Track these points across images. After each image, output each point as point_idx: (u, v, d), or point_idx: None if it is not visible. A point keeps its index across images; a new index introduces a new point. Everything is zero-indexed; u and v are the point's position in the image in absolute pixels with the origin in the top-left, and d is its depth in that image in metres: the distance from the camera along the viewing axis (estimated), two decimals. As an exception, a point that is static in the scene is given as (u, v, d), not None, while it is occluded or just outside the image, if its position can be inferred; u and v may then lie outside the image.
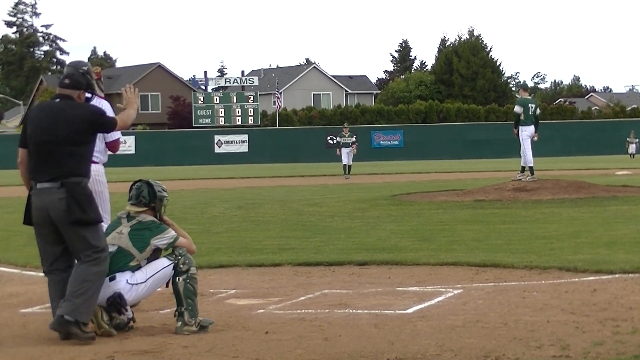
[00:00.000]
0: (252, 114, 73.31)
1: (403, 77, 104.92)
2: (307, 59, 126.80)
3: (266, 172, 45.66)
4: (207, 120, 72.90)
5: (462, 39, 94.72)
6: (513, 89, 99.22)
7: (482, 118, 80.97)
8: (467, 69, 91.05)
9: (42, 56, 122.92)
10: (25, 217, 7.53)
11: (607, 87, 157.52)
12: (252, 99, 73.58)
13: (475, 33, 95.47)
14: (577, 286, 9.33)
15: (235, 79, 77.38)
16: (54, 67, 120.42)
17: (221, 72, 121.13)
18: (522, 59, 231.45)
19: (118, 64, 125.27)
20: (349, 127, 42.28)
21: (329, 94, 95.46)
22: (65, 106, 7.48)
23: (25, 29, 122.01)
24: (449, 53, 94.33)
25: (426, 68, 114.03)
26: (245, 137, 69.89)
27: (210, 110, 73.03)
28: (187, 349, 6.99)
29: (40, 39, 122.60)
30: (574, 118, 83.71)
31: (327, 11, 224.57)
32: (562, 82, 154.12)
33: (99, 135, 8.75)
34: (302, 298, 9.10)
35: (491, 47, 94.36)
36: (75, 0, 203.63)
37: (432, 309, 8.34)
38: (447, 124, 77.08)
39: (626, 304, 8.28)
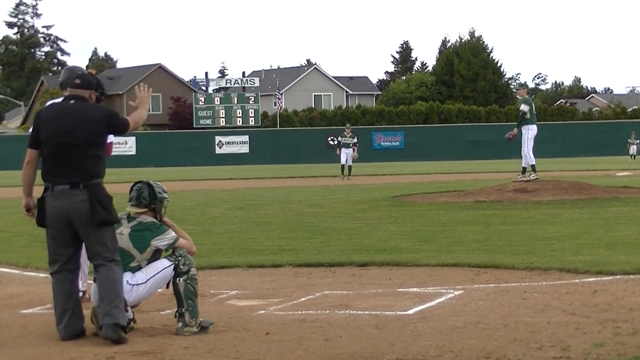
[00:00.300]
0: (252, 115, 73.31)
1: (404, 78, 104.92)
2: (307, 60, 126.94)
3: (267, 173, 45.67)
4: (208, 121, 72.90)
5: (463, 40, 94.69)
6: (514, 90, 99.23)
7: (483, 119, 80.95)
8: (468, 70, 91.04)
9: (43, 57, 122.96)
10: (38, 219, 7.46)
11: (608, 88, 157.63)
12: (252, 100, 73.59)
13: (476, 34, 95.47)
14: (578, 287, 9.34)
15: (236, 80, 77.39)
16: (55, 68, 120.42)
17: (222, 73, 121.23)
18: (523, 60, 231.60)
19: (119, 65, 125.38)
20: (351, 128, 42.22)
21: (330, 94, 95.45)
22: (83, 108, 7.45)
23: (26, 30, 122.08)
24: (449, 54, 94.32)
25: (427, 69, 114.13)
26: (246, 138, 69.89)
27: (211, 111, 73.03)
28: (188, 350, 6.99)
29: (41, 39, 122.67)
30: (575, 119, 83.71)
31: (328, 12, 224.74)
32: (563, 83, 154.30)
33: None
34: (303, 299, 9.11)
35: (492, 48, 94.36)
36: (76, 1, 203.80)
37: (432, 310, 8.34)
38: (448, 125, 77.09)
39: (627, 305, 8.28)
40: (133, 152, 64.68)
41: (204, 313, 7.89)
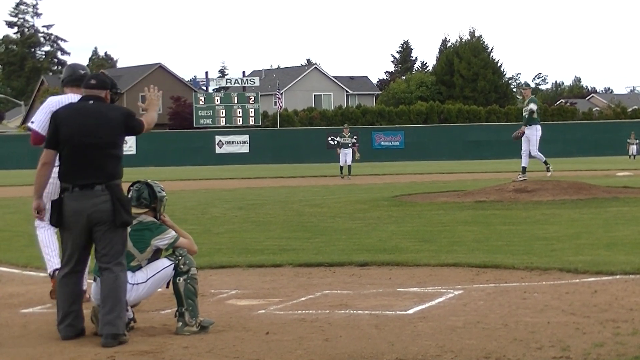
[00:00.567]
0: (253, 114, 73.31)
1: (404, 78, 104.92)
2: (308, 60, 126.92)
3: (267, 173, 45.66)
4: (208, 121, 72.90)
5: (463, 40, 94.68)
6: (514, 90, 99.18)
7: (483, 119, 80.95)
8: (468, 70, 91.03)
9: (43, 56, 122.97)
10: (54, 220, 7.39)
11: (608, 88, 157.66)
12: (253, 99, 73.58)
13: (477, 34, 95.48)
14: (578, 287, 9.34)
15: (236, 80, 77.39)
16: (55, 67, 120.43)
17: (222, 73, 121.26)
18: (523, 60, 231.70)
19: (119, 65, 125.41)
20: (349, 128, 42.29)
21: (330, 94, 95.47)
22: (103, 108, 7.44)
23: (26, 30, 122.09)
24: (450, 54, 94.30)
25: (427, 69, 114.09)
26: (246, 137, 69.91)
27: (211, 111, 73.04)
28: (188, 350, 6.99)
29: (42, 39, 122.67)
30: (575, 119, 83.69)
31: (328, 12, 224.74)
32: (563, 83, 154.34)
33: None
34: (303, 299, 9.11)
35: (492, 48, 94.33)
36: (76, 1, 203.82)
37: (432, 309, 8.34)
38: (448, 125, 77.09)
39: (627, 305, 8.28)
40: (133, 151, 64.62)
41: (204, 313, 7.90)
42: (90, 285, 7.93)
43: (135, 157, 63.22)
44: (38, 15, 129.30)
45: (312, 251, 12.73)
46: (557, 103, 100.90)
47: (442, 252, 12.21)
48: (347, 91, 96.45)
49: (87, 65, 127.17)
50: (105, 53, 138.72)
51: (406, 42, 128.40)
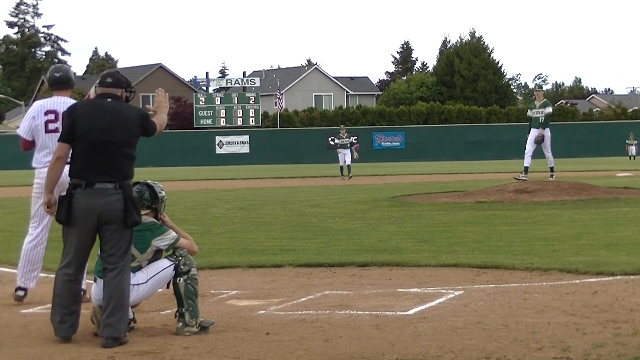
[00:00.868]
0: (253, 115, 73.30)
1: (404, 78, 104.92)
2: (308, 60, 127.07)
3: (267, 173, 45.67)
4: (209, 121, 72.91)
5: (464, 41, 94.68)
6: (514, 90, 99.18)
7: (483, 120, 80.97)
8: (468, 71, 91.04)
9: (44, 57, 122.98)
10: (62, 215, 7.31)
11: (609, 89, 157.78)
12: (253, 100, 73.58)
13: (477, 34, 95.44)
14: (578, 288, 9.34)
15: (236, 80, 77.38)
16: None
17: (222, 73, 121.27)
18: (524, 61, 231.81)
19: (119, 65, 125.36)
20: (346, 129, 42.56)
21: (330, 95, 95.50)
22: (121, 107, 7.44)
23: (26, 30, 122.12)
24: (450, 54, 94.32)
25: (427, 69, 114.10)
26: (246, 138, 69.92)
27: (211, 111, 73.04)
28: (188, 350, 6.99)
29: (42, 39, 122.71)
30: (576, 120, 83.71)
31: (328, 12, 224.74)
32: (563, 84, 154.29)
33: None
34: (303, 299, 9.11)
35: (493, 49, 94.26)
36: (76, 1, 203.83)
37: (433, 310, 8.34)
38: (448, 125, 77.11)
39: (627, 306, 8.28)
40: (133, 151, 64.58)
41: (204, 313, 7.90)
42: (90, 285, 7.93)
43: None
44: (38, 15, 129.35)
45: (312, 251, 12.73)
46: (558, 104, 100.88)
47: (443, 252, 12.20)
48: (347, 91, 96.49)
49: (88, 65, 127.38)
50: (106, 53, 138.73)
51: (407, 43, 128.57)
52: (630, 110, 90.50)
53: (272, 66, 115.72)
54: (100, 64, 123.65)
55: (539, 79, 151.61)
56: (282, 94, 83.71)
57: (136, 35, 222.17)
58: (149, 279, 7.66)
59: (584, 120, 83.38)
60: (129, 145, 7.41)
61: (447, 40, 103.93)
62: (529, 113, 23.09)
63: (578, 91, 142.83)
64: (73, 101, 9.15)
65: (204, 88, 75.86)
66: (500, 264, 10.96)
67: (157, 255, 7.79)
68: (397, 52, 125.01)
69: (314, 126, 76.71)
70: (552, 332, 7.27)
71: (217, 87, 79.60)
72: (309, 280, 10.41)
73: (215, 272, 11.09)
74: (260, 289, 9.84)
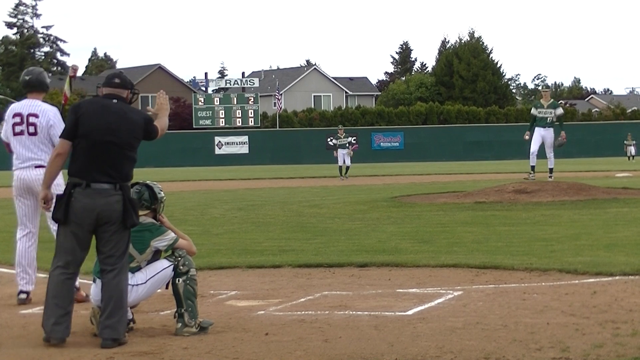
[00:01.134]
0: (252, 115, 73.30)
1: (403, 78, 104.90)
2: (307, 61, 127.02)
3: (266, 174, 45.68)
4: (208, 122, 72.90)
5: (463, 41, 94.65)
6: (513, 90, 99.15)
7: (482, 120, 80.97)
8: (467, 71, 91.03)
9: (43, 57, 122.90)
10: (59, 214, 7.27)
11: (608, 89, 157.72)
12: (252, 100, 73.57)
13: (476, 35, 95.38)
14: (577, 288, 9.34)
15: (235, 81, 77.36)
16: (55, 68, 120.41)
17: (221, 74, 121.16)
18: (523, 61, 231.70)
19: (118, 65, 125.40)
20: (344, 129, 42.66)
21: (330, 95, 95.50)
22: (126, 109, 7.43)
23: (25, 30, 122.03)
24: (449, 55, 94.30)
25: (426, 70, 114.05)
26: (245, 138, 69.93)
27: (210, 112, 73.03)
28: (187, 350, 7.00)
29: (41, 40, 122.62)
30: (575, 120, 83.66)
31: (327, 12, 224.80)
32: (562, 84, 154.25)
33: (50, 141, 8.94)
34: (302, 299, 9.11)
35: (492, 49, 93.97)
36: (76, 2, 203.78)
37: (432, 310, 8.35)
38: (448, 125, 77.12)
39: (626, 306, 8.29)
40: (133, 152, 64.60)
41: (203, 313, 7.90)
42: (85, 284, 7.93)
43: (134, 158, 63.24)
44: (37, 16, 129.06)
45: (311, 252, 12.73)
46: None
47: (442, 253, 12.21)
48: (346, 92, 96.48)
49: (87, 66, 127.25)
50: (105, 54, 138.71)
51: (406, 43, 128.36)
52: (629, 110, 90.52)
53: (271, 67, 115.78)
54: (100, 64, 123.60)
55: (538, 79, 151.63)
56: (281, 94, 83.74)
57: (135, 36, 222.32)
58: (148, 279, 7.66)
59: (583, 121, 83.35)
60: (130, 148, 7.42)
61: (446, 40, 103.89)
62: (534, 112, 23.16)
63: (577, 91, 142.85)
64: (43, 104, 9.21)
65: (203, 88, 75.84)
66: (499, 264, 10.96)
67: (156, 256, 7.79)
68: (396, 53, 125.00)
69: (313, 127, 76.71)
70: (551, 333, 7.27)
71: (216, 87, 79.54)
72: (308, 280, 10.41)
73: (214, 272, 11.10)
74: (260, 289, 9.84)
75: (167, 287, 7.77)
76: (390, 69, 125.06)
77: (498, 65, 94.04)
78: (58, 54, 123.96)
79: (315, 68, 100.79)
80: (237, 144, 69.47)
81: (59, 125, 9.05)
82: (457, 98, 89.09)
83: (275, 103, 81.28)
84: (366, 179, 38.04)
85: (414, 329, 7.52)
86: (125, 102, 7.52)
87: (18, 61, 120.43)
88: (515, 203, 19.46)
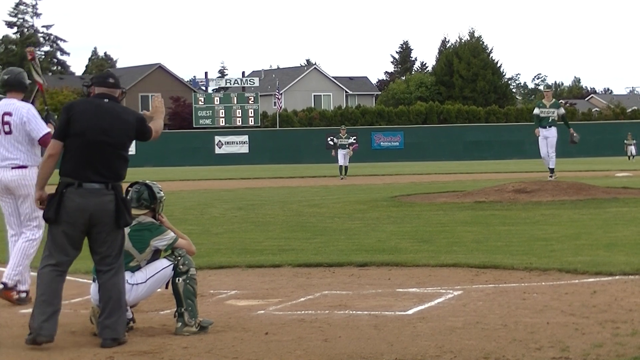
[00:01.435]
0: (252, 114, 73.27)
1: (403, 78, 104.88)
2: (307, 60, 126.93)
3: (266, 173, 45.68)
4: (208, 121, 72.88)
5: (463, 41, 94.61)
6: (513, 90, 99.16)
7: (483, 119, 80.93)
8: (467, 71, 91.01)
9: (43, 57, 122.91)
10: (51, 213, 7.24)
11: (608, 89, 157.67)
12: (252, 99, 73.55)
13: (476, 34, 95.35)
14: (577, 288, 9.34)
15: (235, 80, 77.33)
16: (55, 67, 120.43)
17: (222, 73, 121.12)
18: (523, 61, 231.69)
19: (119, 65, 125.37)
20: (346, 129, 42.65)
21: (330, 95, 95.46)
22: (118, 109, 7.42)
23: (25, 30, 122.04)
24: (449, 54, 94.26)
25: (427, 69, 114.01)
26: (245, 138, 69.91)
27: (210, 111, 73.01)
28: (187, 350, 7.00)
29: (41, 39, 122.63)
30: (575, 119, 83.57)
31: (327, 12, 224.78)
32: (562, 84, 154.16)
33: (27, 139, 8.93)
34: (302, 299, 9.11)
35: (492, 49, 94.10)
36: (76, 1, 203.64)
37: (431, 310, 8.35)
38: (448, 125, 77.09)
39: (626, 306, 8.29)
40: (133, 151, 63.98)
41: (203, 313, 7.90)
42: (85, 284, 7.92)
43: (134, 157, 62.35)
44: (37, 15, 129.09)
45: (311, 251, 12.73)
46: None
47: (442, 252, 12.21)
48: (346, 91, 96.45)
49: (87, 65, 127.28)
50: (105, 53, 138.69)
51: (406, 43, 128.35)
52: (630, 110, 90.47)
53: (271, 66, 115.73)
54: (100, 63, 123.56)
55: (538, 78, 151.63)
56: (281, 94, 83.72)
57: (135, 35, 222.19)
58: (148, 278, 7.66)
59: (583, 120, 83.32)
60: (123, 147, 7.40)
61: (446, 40, 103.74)
62: (537, 111, 23.30)
63: (577, 91, 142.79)
64: (18, 102, 9.19)
65: (203, 88, 75.82)
66: (499, 264, 10.96)
67: (156, 255, 7.79)
68: (396, 52, 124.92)
69: (313, 126, 76.67)
70: (551, 332, 7.27)
71: (216, 87, 79.53)
72: (307, 280, 10.41)
73: (214, 272, 11.10)
74: (259, 289, 9.84)
75: (166, 287, 7.77)
76: (390, 68, 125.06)
77: (498, 65, 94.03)
78: (58, 54, 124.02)
79: (315, 67, 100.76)
80: (237, 143, 69.45)
81: (34, 121, 9.10)
82: (457, 97, 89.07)
83: (275, 102, 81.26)
84: (366, 178, 38.04)
85: (413, 329, 7.52)
86: (118, 102, 7.51)
87: (18, 60, 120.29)
88: (515, 203, 19.46)
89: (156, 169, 56.91)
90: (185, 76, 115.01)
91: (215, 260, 11.84)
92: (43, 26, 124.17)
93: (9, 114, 9.18)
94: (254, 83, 76.57)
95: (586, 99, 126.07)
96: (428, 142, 70.42)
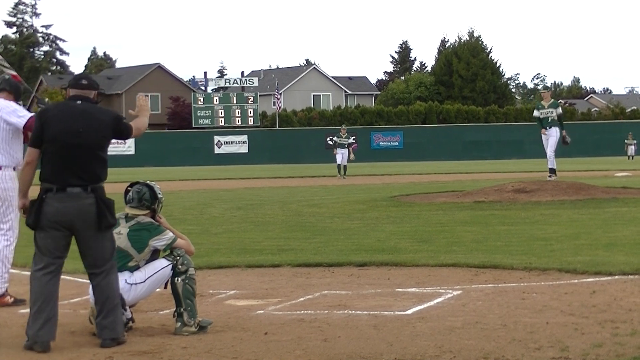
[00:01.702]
0: (251, 114, 73.30)
1: (403, 78, 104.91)
2: (307, 60, 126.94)
3: (266, 173, 45.68)
4: (207, 121, 72.90)
5: (462, 40, 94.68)
6: (513, 90, 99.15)
7: (482, 119, 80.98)
8: (466, 70, 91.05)
9: (42, 57, 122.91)
10: (32, 220, 7.22)
11: (607, 89, 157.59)
12: (251, 99, 73.58)
13: (475, 34, 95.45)
14: (577, 288, 9.34)
15: (235, 80, 77.35)
16: (54, 67, 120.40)
17: (221, 73, 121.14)
18: (522, 60, 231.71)
19: (118, 65, 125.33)
20: (347, 129, 42.70)
21: (329, 94, 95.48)
22: (92, 110, 7.36)
23: (25, 29, 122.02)
24: (448, 54, 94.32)
25: (426, 69, 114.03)
26: (244, 137, 69.91)
27: (210, 111, 73.03)
28: (186, 350, 7.00)
29: (40, 39, 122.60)
30: (574, 119, 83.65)
31: (327, 12, 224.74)
32: (562, 84, 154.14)
33: (10, 136, 8.89)
34: (302, 299, 9.11)
35: (491, 49, 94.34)
36: (75, 1, 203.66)
37: (431, 310, 8.35)
38: (447, 125, 77.12)
39: (625, 306, 8.29)
40: (132, 152, 64.65)
41: (202, 313, 7.90)
42: (84, 284, 7.92)
43: (134, 157, 63.29)
44: (37, 15, 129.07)
45: (310, 251, 12.73)
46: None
47: (441, 252, 12.21)
48: (345, 91, 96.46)
49: (86, 65, 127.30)
50: (104, 53, 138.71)
51: (405, 43, 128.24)
52: (629, 110, 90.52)
53: (270, 66, 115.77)
54: (99, 63, 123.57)
55: (537, 78, 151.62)
56: (280, 93, 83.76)
57: (135, 35, 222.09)
58: (147, 278, 7.66)
59: (583, 120, 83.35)
60: (99, 148, 7.30)
61: (446, 40, 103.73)
62: (536, 113, 23.31)
63: (576, 91, 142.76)
64: (10, 103, 9.15)
65: (203, 88, 75.84)
66: (498, 263, 10.96)
67: (155, 255, 7.79)
68: (396, 52, 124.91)
69: (312, 126, 76.70)
70: (550, 332, 7.27)
71: (216, 87, 79.57)
72: (307, 280, 10.41)
73: (213, 272, 11.09)
74: (259, 288, 9.84)
75: (165, 287, 7.77)
76: (390, 68, 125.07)
77: (497, 65, 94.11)
78: (57, 53, 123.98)
79: (314, 67, 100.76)
80: (236, 143, 69.45)
81: (14, 114, 8.99)
82: (456, 97, 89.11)
83: (274, 102, 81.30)
84: (365, 178, 38.04)
85: (413, 329, 7.52)
86: (92, 103, 7.43)
87: (17, 60, 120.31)
88: (514, 202, 19.45)
89: (155, 168, 56.90)
90: (185, 76, 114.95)
91: (214, 260, 11.83)
92: (42, 26, 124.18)
93: None
94: (253, 83, 76.60)
95: (585, 99, 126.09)
96: (427, 142, 70.44)
